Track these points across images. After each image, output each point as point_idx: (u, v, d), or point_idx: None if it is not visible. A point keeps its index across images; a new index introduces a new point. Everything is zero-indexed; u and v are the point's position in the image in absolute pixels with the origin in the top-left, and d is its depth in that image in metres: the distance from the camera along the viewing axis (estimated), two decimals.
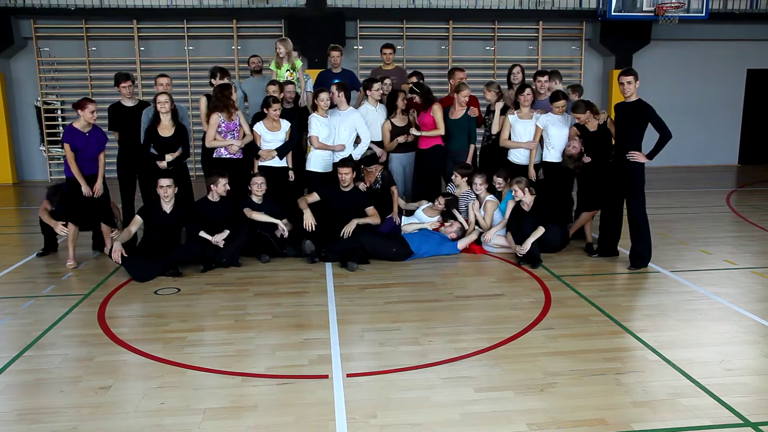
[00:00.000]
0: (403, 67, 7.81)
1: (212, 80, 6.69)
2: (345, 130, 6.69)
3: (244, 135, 6.44)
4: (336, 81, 7.12)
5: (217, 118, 6.31)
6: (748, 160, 13.66)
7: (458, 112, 6.90)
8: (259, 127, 6.43)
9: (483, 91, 7.10)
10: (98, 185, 6.05)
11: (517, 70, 7.12)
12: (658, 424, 3.12)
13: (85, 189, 5.92)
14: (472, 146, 6.99)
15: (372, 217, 6.26)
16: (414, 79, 7.24)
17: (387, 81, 7.25)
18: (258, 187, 6.15)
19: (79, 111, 5.83)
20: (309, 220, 6.13)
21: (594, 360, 3.86)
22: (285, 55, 7.17)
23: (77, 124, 5.88)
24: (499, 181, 6.55)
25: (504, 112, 6.82)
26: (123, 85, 6.45)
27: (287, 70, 7.22)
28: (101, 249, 6.41)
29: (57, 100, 12.04)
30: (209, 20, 11.95)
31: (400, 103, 6.80)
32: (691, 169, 12.79)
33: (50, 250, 6.54)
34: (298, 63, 7.31)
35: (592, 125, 6.14)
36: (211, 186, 5.99)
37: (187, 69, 11.96)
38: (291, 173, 6.66)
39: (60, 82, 11.96)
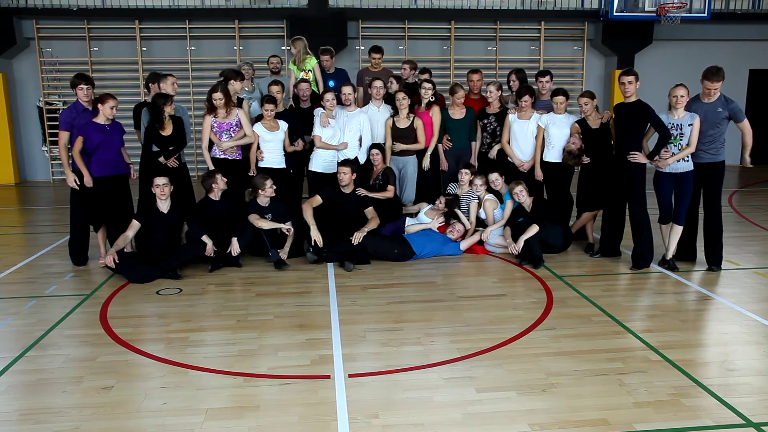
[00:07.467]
0: (389, 69, 7.83)
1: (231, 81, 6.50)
2: (350, 131, 6.68)
3: (244, 135, 6.35)
4: (331, 82, 7.15)
5: (209, 120, 6.30)
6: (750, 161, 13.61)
7: (459, 112, 6.89)
8: (259, 128, 6.42)
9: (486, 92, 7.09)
10: (135, 177, 6.14)
11: (513, 77, 7.09)
12: (661, 425, 3.11)
13: (87, 179, 5.79)
14: (474, 144, 6.99)
15: (373, 219, 6.25)
16: (426, 75, 7.24)
17: (394, 81, 7.24)
18: (270, 189, 6.03)
19: (99, 105, 5.77)
20: (315, 237, 5.99)
21: (596, 360, 3.86)
22: (302, 53, 7.17)
23: (97, 119, 5.80)
24: (494, 177, 6.54)
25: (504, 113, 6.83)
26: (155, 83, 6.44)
27: (302, 70, 7.25)
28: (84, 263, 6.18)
29: (59, 101, 12.06)
30: (211, 20, 11.97)
31: (402, 111, 6.71)
32: None
33: (83, 261, 6.17)
34: (312, 60, 7.32)
35: (594, 122, 6.14)
36: (212, 185, 5.95)
37: (189, 69, 11.99)
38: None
39: (62, 82, 11.98)
